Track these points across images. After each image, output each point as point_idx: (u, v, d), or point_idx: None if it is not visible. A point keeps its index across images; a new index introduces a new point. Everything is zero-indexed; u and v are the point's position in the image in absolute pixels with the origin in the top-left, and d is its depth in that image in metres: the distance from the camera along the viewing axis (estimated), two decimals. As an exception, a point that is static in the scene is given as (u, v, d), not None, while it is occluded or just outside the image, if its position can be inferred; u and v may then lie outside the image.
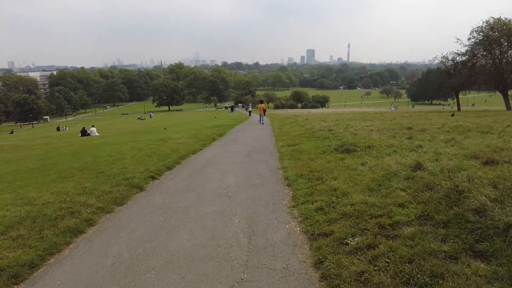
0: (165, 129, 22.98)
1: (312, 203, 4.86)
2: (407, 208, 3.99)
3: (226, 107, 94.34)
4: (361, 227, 3.78)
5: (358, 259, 3.16)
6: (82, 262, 3.67)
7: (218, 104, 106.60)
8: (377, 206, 4.22)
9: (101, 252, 3.88)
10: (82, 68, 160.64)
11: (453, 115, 20.85)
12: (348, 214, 4.18)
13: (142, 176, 7.32)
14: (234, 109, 39.57)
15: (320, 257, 3.36)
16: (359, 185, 5.27)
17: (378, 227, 3.67)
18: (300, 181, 6.21)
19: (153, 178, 7.40)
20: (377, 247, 3.26)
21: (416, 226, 3.53)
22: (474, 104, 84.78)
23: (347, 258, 3.22)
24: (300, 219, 4.49)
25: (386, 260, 3.01)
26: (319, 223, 4.11)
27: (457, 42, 31.12)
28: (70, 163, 10.31)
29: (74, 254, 3.88)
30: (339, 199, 4.75)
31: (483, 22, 29.23)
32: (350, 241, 3.55)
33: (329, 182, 5.68)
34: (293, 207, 5.01)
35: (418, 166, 5.48)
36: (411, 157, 6.35)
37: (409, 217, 3.75)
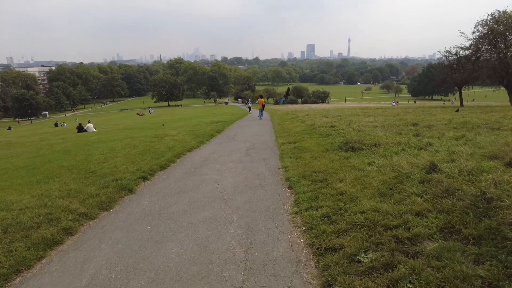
0: (163, 125, 22.47)
1: (316, 210, 4.36)
2: (427, 218, 3.49)
3: (226, 103, 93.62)
4: (374, 240, 3.28)
5: (374, 282, 2.66)
6: (52, 282, 3.17)
7: (218, 100, 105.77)
8: (391, 215, 3.72)
9: (77, 268, 3.38)
10: (81, 63, 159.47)
11: (457, 110, 20.29)
12: (358, 224, 3.68)
13: (133, 176, 6.82)
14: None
15: (329, 278, 2.86)
16: (368, 188, 4.77)
17: (395, 241, 3.17)
18: (302, 183, 5.70)
19: (144, 178, 6.90)
20: (396, 267, 2.76)
21: (440, 241, 3.03)
22: (474, 99, 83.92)
23: (361, 280, 2.72)
24: (303, 228, 3.99)
25: (409, 285, 2.51)
26: (326, 235, 3.61)
27: (461, 36, 30.41)
28: (60, 162, 9.84)
29: (45, 271, 3.38)
30: (347, 206, 4.25)
31: (488, 15, 28.52)
32: (363, 258, 3.05)
33: (335, 185, 5.18)
34: (295, 213, 4.51)
35: (433, 167, 4.97)
36: (423, 157, 5.85)
37: (430, 230, 3.24)
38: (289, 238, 3.80)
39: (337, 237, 3.53)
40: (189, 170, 7.51)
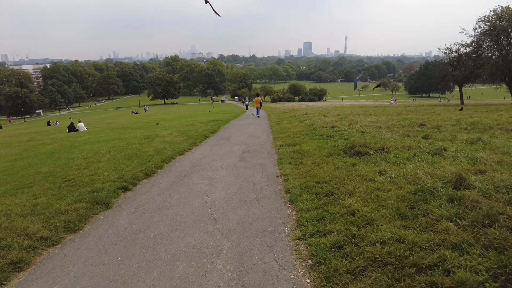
0: (157, 124, 21.61)
1: (324, 236, 3.57)
2: (469, 255, 2.71)
3: (223, 100, 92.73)
4: (404, 288, 2.49)
5: None
6: None
7: (214, 98, 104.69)
8: (421, 248, 2.93)
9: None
10: (76, 61, 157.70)
11: (461, 109, 19.60)
12: (379, 260, 2.89)
13: (112, 187, 6.00)
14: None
15: None
16: (385, 207, 3.98)
17: (434, 292, 2.39)
18: (305, 197, 4.92)
19: (125, 189, 6.08)
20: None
21: (498, 296, 2.25)
22: (469, 97, 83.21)
23: None
24: (309, 262, 3.19)
25: None
26: (339, 275, 2.82)
27: (462, 32, 29.70)
28: (39, 167, 9.01)
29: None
30: (362, 231, 3.46)
31: (490, 11, 27.84)
32: (393, 316, 2.27)
33: (344, 201, 4.39)
34: (298, 239, 3.71)
35: (460, 181, 4.20)
36: (443, 166, 5.09)
37: (479, 275, 2.46)
38: (292, 277, 3.01)
39: (354, 279, 2.74)
40: (176, 179, 6.69)
